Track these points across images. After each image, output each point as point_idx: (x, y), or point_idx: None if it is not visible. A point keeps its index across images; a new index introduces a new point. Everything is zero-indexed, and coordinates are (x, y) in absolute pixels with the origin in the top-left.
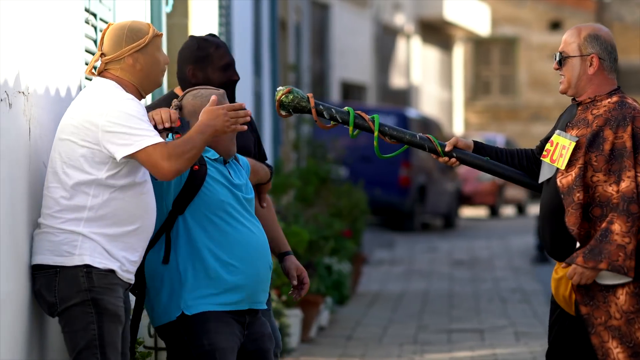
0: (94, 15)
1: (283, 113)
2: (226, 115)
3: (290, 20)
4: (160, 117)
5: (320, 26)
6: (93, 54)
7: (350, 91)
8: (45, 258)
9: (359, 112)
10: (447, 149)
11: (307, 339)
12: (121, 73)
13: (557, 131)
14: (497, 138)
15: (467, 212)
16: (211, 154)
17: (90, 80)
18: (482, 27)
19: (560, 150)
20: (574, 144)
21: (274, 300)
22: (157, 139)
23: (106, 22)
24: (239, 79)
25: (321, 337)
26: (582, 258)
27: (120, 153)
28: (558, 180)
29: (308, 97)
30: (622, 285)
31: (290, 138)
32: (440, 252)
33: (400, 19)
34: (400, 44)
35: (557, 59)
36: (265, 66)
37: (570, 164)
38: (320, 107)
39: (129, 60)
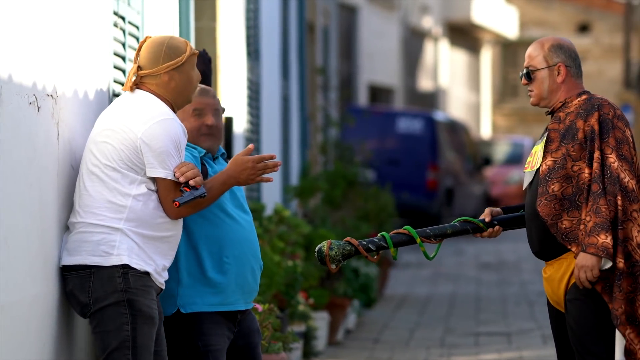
0: (123, 18)
1: (334, 267)
2: (253, 168)
3: (318, 23)
4: (186, 174)
5: (348, 29)
6: (122, 57)
7: (378, 94)
8: (81, 259)
9: (395, 231)
10: (486, 220)
11: (334, 342)
12: (156, 88)
13: (537, 142)
14: (525, 141)
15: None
16: (198, 151)
17: (119, 94)
18: (510, 30)
19: (537, 155)
20: (545, 138)
21: (301, 303)
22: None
23: (135, 25)
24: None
25: (348, 340)
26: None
27: (147, 170)
28: (540, 169)
29: (349, 241)
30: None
31: (318, 141)
32: (467, 255)
33: (428, 22)
34: (428, 47)
35: (525, 73)
36: (293, 69)
37: (544, 156)
38: (363, 243)
39: (164, 77)
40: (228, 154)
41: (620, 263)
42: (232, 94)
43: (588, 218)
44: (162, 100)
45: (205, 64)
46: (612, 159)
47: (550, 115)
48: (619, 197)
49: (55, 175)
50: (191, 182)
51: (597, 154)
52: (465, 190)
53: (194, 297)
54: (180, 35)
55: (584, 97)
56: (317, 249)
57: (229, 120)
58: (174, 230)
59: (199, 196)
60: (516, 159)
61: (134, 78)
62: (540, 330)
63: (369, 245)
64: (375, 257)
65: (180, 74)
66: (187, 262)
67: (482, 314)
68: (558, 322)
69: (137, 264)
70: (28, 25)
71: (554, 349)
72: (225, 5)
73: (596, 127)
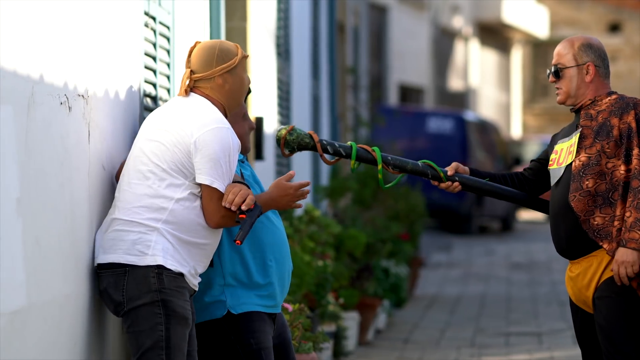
0: (153, 18)
1: (287, 152)
2: (294, 195)
3: (348, 23)
4: (233, 200)
5: (378, 29)
6: (152, 57)
7: (408, 94)
8: (117, 257)
9: (361, 145)
10: (449, 173)
11: (364, 342)
12: (211, 92)
13: (560, 140)
14: None
15: (524, 215)
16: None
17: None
18: (541, 30)
19: (567, 150)
20: (577, 135)
21: (332, 303)
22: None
23: (165, 26)
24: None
25: (378, 339)
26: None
27: (196, 176)
28: (573, 164)
29: (310, 134)
30: None
31: (348, 141)
32: (497, 255)
33: (458, 22)
34: (458, 47)
35: (553, 71)
36: (324, 69)
37: (578, 152)
38: (324, 142)
39: (218, 80)
40: (258, 154)
41: None
42: (262, 94)
43: (628, 214)
44: (216, 104)
45: None
46: None
47: (575, 113)
48: None
49: (86, 176)
50: (244, 207)
51: (636, 151)
52: None
53: (243, 298)
54: (211, 35)
55: (614, 96)
56: (278, 128)
57: (260, 120)
58: (212, 239)
59: (257, 215)
60: None
61: (187, 82)
62: (571, 330)
63: (328, 147)
64: (331, 160)
65: (234, 77)
66: (233, 268)
67: (512, 314)
68: (584, 323)
69: (172, 264)
70: (59, 26)
71: None
72: (255, 6)
73: (633, 124)
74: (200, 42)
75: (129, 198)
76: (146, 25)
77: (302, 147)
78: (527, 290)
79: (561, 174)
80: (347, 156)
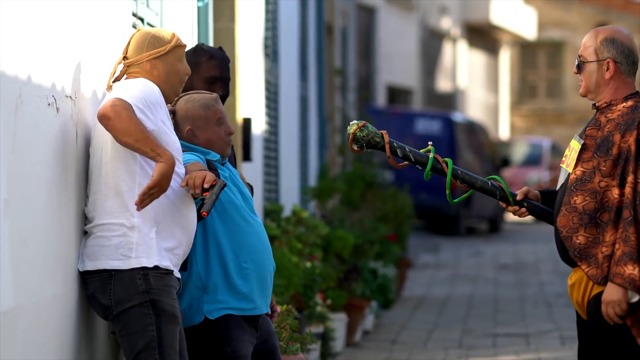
0: (141, 19)
1: (355, 147)
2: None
3: (336, 24)
4: (194, 182)
5: (366, 30)
6: None
7: (396, 95)
8: (101, 263)
9: (435, 155)
10: (518, 197)
11: (352, 343)
12: (140, 77)
13: (575, 136)
14: (543, 142)
15: (512, 216)
16: (212, 156)
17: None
18: (529, 31)
19: (572, 154)
20: (579, 145)
21: (319, 304)
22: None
23: (153, 27)
24: (224, 94)
25: (366, 341)
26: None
27: None
28: (570, 176)
29: (382, 134)
30: None
31: (336, 142)
32: (485, 256)
33: (446, 23)
34: (447, 48)
35: (576, 63)
36: (312, 70)
37: (576, 164)
38: (395, 144)
39: (146, 65)
40: (246, 155)
41: None
42: (250, 95)
43: (617, 246)
44: None
45: (228, 68)
46: None
47: (593, 106)
48: None
49: (74, 177)
50: (205, 185)
51: (630, 178)
52: None
53: (220, 303)
54: (199, 36)
55: (630, 102)
56: (351, 122)
57: (248, 121)
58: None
59: (221, 189)
60: (535, 160)
61: (120, 68)
62: (558, 331)
63: (397, 150)
64: (400, 164)
65: (164, 63)
66: (210, 269)
67: (500, 315)
68: (583, 326)
69: (158, 261)
70: (47, 27)
71: (572, 350)
72: (244, 7)
73: (633, 147)
74: (140, 29)
75: (99, 203)
76: (134, 26)
77: (371, 146)
78: (515, 291)
79: (564, 179)
80: (416, 163)
